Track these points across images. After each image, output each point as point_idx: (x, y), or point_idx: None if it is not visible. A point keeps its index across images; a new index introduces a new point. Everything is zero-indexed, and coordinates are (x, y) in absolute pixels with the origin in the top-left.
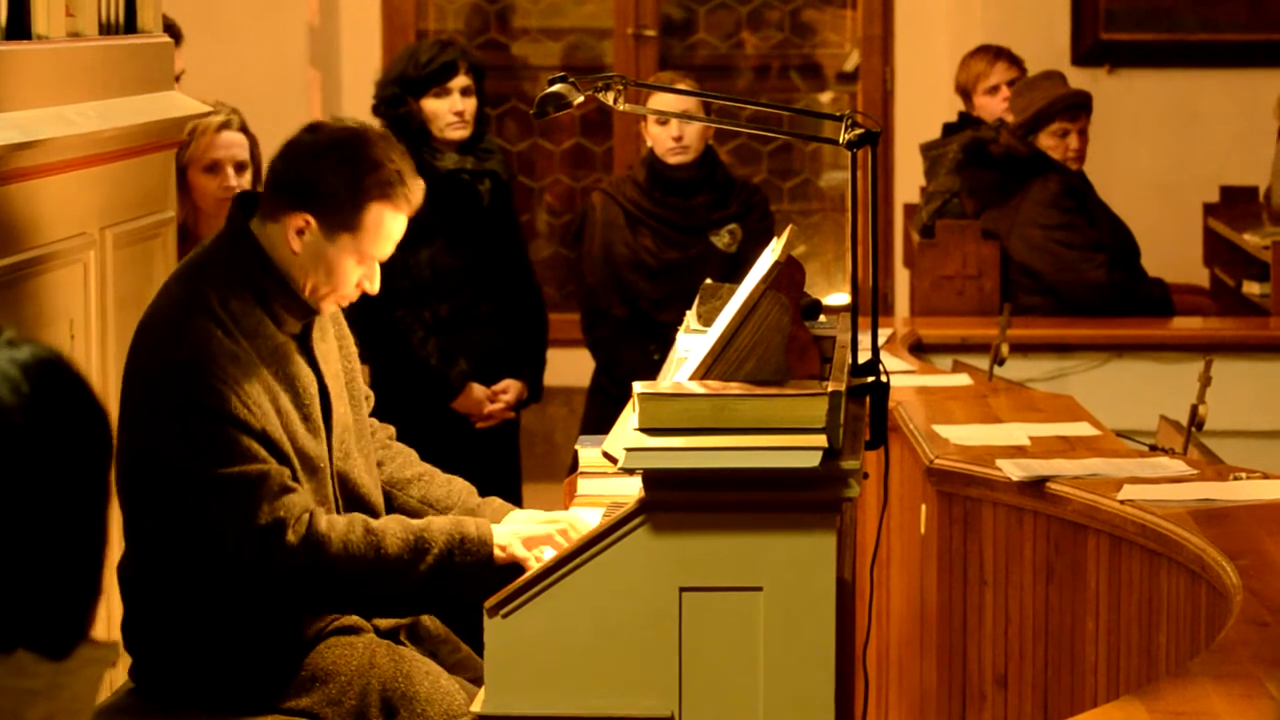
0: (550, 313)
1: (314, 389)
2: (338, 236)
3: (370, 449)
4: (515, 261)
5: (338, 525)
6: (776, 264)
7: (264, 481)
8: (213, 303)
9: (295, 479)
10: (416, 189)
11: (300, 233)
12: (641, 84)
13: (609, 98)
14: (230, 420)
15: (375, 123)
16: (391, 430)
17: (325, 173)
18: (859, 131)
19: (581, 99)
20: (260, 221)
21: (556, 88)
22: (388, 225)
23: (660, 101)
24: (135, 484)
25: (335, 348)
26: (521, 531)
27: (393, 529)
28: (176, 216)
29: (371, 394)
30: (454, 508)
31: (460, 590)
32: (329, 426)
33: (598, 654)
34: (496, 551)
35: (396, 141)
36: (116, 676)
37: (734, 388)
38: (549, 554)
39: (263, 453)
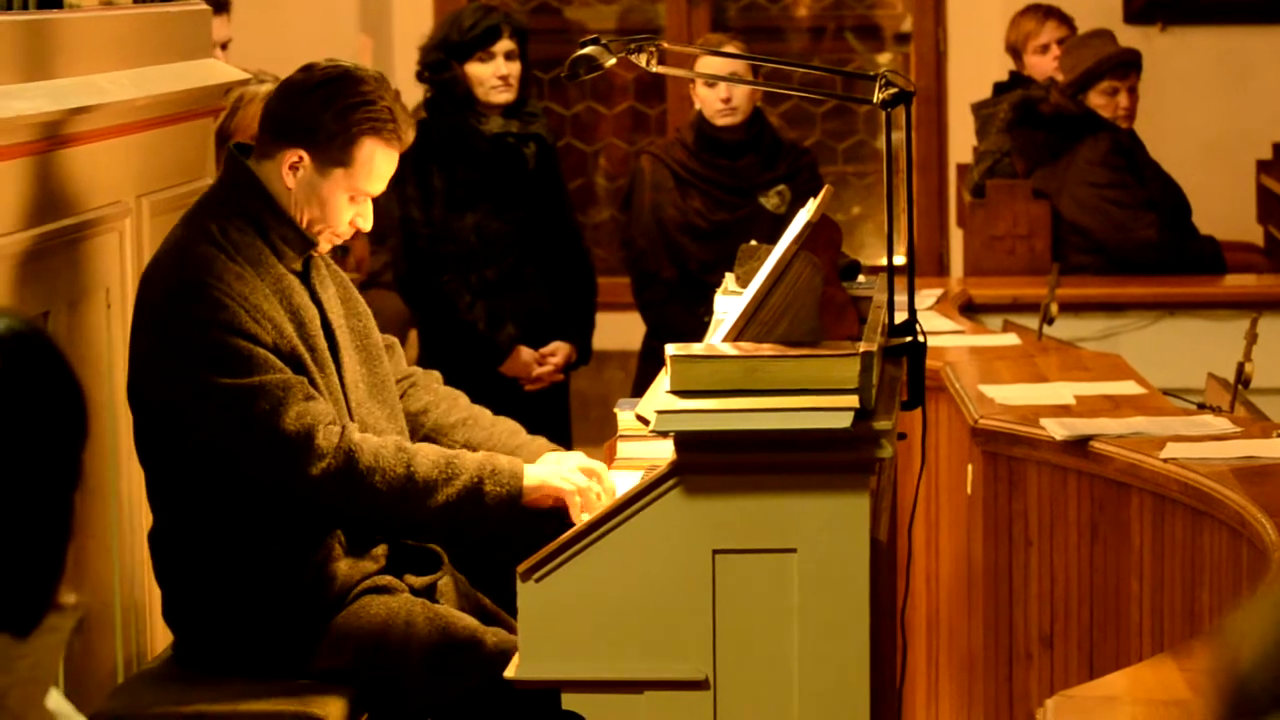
0: (607, 276)
1: (318, 324)
2: (330, 171)
3: (393, 400)
4: (562, 224)
5: (370, 439)
6: (809, 224)
7: (286, 389)
8: (214, 231)
9: (316, 388)
10: (408, 128)
11: (294, 168)
12: (674, 47)
13: (642, 60)
14: (241, 333)
15: (420, 88)
16: (438, 375)
17: (318, 108)
18: (893, 91)
19: (614, 61)
20: (256, 160)
21: (588, 50)
22: (379, 161)
23: (707, 64)
24: (155, 433)
25: (337, 299)
26: (559, 469)
27: (425, 450)
28: None
29: (395, 342)
30: (494, 449)
31: (487, 521)
32: (338, 363)
33: (631, 618)
34: (527, 481)
35: (389, 84)
36: (158, 643)
37: (766, 349)
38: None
39: (278, 363)
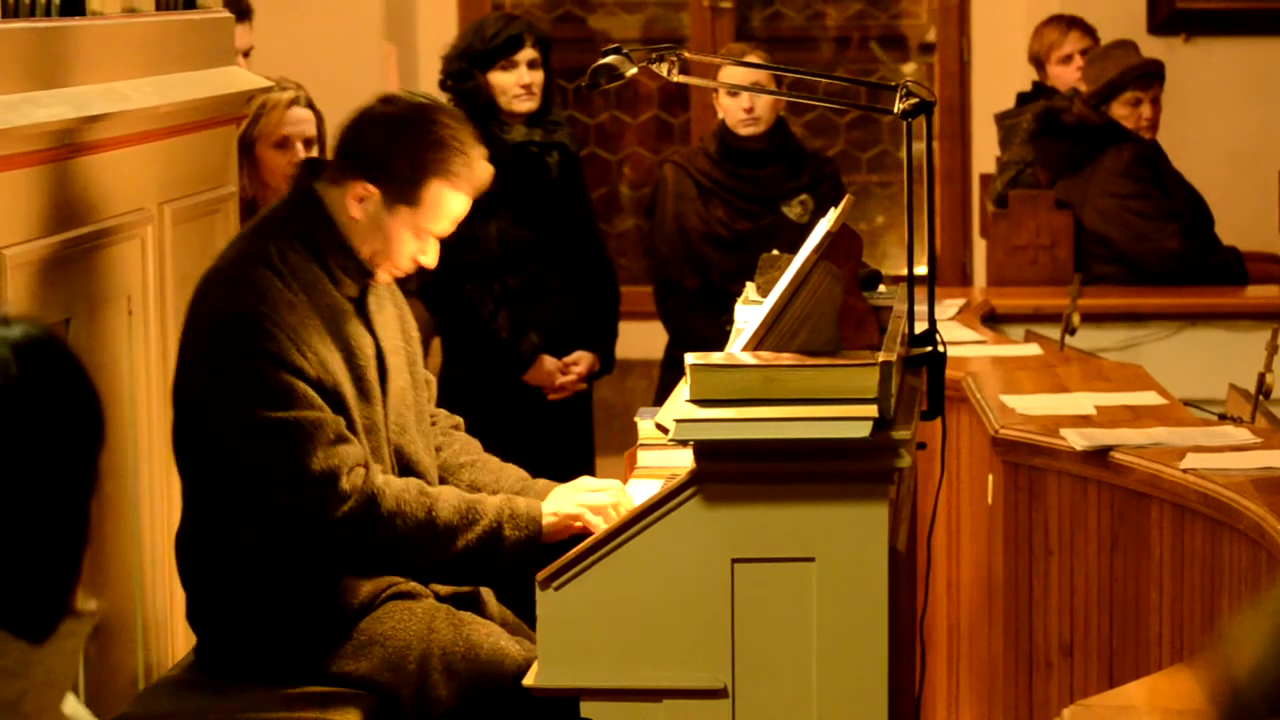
0: (632, 285)
1: (370, 352)
2: (397, 209)
3: (429, 431)
4: (585, 233)
5: (394, 483)
6: (829, 234)
7: (319, 428)
8: (272, 254)
9: (352, 430)
10: (482, 171)
11: (361, 200)
12: (696, 56)
13: (663, 69)
14: (286, 365)
15: (443, 97)
16: (459, 421)
17: (391, 145)
18: (913, 101)
19: (634, 70)
20: (325, 184)
21: (609, 59)
22: (447, 203)
23: (730, 74)
24: (192, 436)
25: (395, 322)
26: (573, 497)
27: (447, 495)
28: (244, 192)
29: (432, 379)
30: (499, 493)
31: (506, 565)
32: (385, 393)
33: (650, 626)
34: (547, 518)
35: (468, 122)
36: (179, 649)
37: (785, 358)
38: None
39: (318, 400)
